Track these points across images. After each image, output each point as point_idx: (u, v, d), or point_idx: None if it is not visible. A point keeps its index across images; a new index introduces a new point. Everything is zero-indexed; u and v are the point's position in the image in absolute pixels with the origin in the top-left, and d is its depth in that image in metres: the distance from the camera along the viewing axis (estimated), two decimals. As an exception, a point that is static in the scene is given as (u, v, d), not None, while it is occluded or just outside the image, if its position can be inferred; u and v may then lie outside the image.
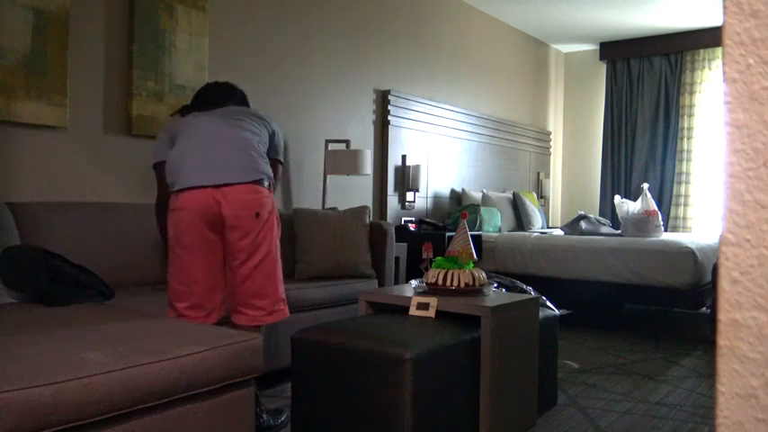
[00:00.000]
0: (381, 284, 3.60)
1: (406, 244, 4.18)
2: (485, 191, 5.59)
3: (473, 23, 5.93)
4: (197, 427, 1.61)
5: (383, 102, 4.87)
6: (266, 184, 2.34)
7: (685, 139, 6.52)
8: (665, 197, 6.60)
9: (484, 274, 2.57)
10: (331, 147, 4.32)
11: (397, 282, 3.90)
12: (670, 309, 4.67)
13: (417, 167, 4.96)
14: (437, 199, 5.35)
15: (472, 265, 2.59)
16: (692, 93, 6.53)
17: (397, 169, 4.96)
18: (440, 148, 5.37)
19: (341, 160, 4.11)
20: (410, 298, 2.46)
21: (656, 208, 4.77)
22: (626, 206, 4.80)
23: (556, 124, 7.45)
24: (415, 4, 5.22)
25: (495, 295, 2.55)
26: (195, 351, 1.60)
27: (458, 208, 5.23)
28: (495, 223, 5.24)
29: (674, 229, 6.48)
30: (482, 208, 5.15)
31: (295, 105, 4.20)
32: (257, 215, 2.25)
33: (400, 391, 1.97)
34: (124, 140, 3.28)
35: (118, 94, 3.25)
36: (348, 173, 4.14)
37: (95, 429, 1.38)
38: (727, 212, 0.48)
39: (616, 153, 6.94)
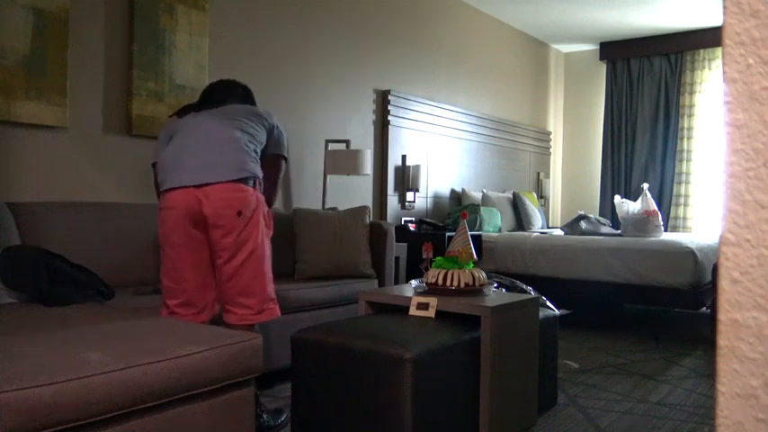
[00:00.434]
0: (381, 284, 3.60)
1: (406, 244, 4.18)
2: (485, 191, 5.59)
3: (473, 23, 5.93)
4: (197, 427, 1.61)
5: (383, 102, 4.87)
6: (251, 182, 2.31)
7: (685, 139, 6.52)
8: (665, 197, 6.60)
9: (484, 274, 2.57)
10: (331, 147, 4.32)
11: (397, 282, 3.90)
12: (670, 309, 4.67)
13: (417, 167, 4.96)
14: (437, 199, 5.35)
15: (472, 265, 2.59)
16: (692, 93, 6.53)
17: (397, 169, 4.96)
18: (440, 148, 5.37)
19: (341, 160, 4.11)
20: (410, 298, 2.46)
21: (656, 208, 4.77)
22: (626, 206, 4.80)
23: (556, 124, 7.45)
24: (415, 4, 5.22)
25: (495, 295, 2.55)
26: (195, 351, 1.60)
27: (458, 208, 5.23)
28: (495, 223, 5.24)
29: (674, 229, 6.48)
30: (482, 208, 5.15)
31: (295, 105, 4.20)
32: (239, 213, 2.24)
33: (400, 391, 1.97)
34: (124, 140, 3.28)
35: (118, 94, 3.25)
36: (348, 173, 4.14)
37: (95, 429, 1.38)
38: (727, 212, 0.48)
39: (616, 153, 6.94)
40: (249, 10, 3.90)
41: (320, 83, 4.39)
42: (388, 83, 4.94)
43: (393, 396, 1.99)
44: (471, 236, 2.90)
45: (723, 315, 0.49)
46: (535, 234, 4.99)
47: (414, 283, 2.72)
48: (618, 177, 6.91)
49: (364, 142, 4.74)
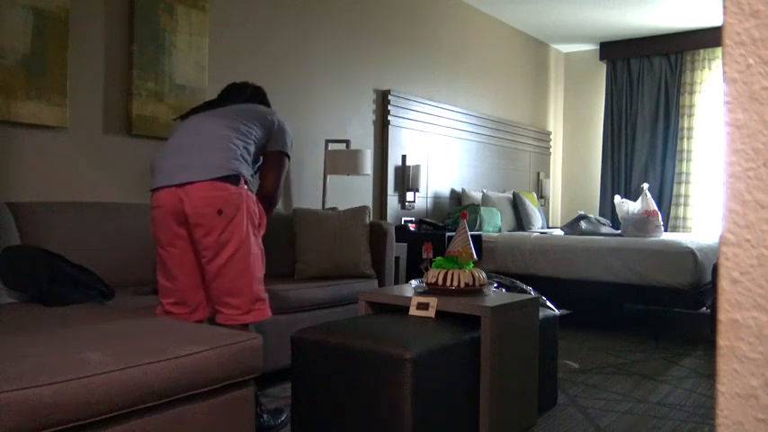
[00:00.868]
0: (381, 284, 3.60)
1: (406, 244, 4.18)
2: (485, 191, 5.59)
3: (473, 23, 5.93)
4: (197, 427, 1.61)
5: (383, 102, 4.87)
6: (236, 181, 2.28)
7: (685, 139, 6.52)
8: (665, 197, 6.60)
9: (484, 274, 2.57)
10: (331, 147, 4.32)
11: (397, 282, 3.90)
12: (670, 309, 4.67)
13: (417, 167, 4.96)
14: (437, 199, 5.35)
15: (472, 265, 2.59)
16: (692, 93, 6.53)
17: (397, 169, 4.96)
18: (440, 148, 5.37)
19: (341, 160, 4.11)
20: (410, 298, 2.46)
21: (656, 208, 4.77)
22: (626, 206, 4.80)
23: (556, 124, 7.45)
24: (415, 4, 5.22)
25: (495, 295, 2.55)
26: (195, 351, 1.60)
27: (458, 208, 5.23)
28: (495, 223, 5.24)
29: (674, 229, 6.48)
30: (482, 208, 5.15)
31: (295, 105, 4.20)
32: (220, 212, 2.22)
33: (400, 391, 1.97)
34: (124, 140, 3.28)
35: (118, 94, 3.25)
36: (348, 173, 4.14)
37: (95, 429, 1.38)
38: (727, 212, 0.48)
39: (616, 153, 6.94)
40: (249, 10, 3.90)
41: (320, 83, 4.39)
42: (388, 83, 4.94)
43: (393, 396, 1.99)
44: (471, 236, 2.90)
45: (723, 315, 0.49)
46: (535, 234, 4.99)
47: (414, 283, 2.72)
48: (618, 177, 6.91)
49: (364, 142, 4.74)
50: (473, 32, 5.94)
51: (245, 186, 2.30)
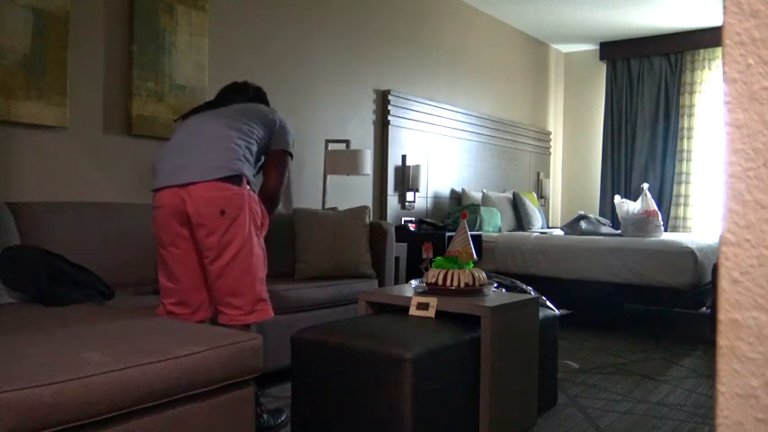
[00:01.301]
0: (381, 284, 3.59)
1: (406, 244, 4.18)
2: (485, 191, 5.59)
3: (473, 23, 5.93)
4: (197, 427, 1.61)
5: (383, 102, 4.87)
6: (238, 181, 2.27)
7: (685, 139, 6.52)
8: (665, 197, 6.60)
9: (484, 274, 2.57)
10: (331, 147, 4.32)
11: (397, 282, 3.90)
12: (670, 309, 4.67)
13: (417, 167, 4.96)
14: (437, 199, 5.35)
15: (472, 265, 2.59)
16: (692, 93, 6.53)
17: (397, 169, 4.96)
18: (440, 148, 5.37)
19: (341, 160, 4.11)
20: (410, 298, 2.46)
21: (656, 208, 4.77)
22: (626, 206, 4.80)
23: (556, 124, 7.45)
24: (415, 4, 5.22)
25: (495, 295, 2.55)
26: (195, 351, 1.60)
27: (458, 208, 5.23)
28: (495, 223, 5.24)
29: (674, 229, 6.48)
30: (482, 208, 5.15)
31: (295, 105, 4.20)
32: (222, 213, 2.22)
33: (400, 391, 1.97)
34: (124, 140, 3.28)
35: (118, 94, 3.25)
36: (348, 173, 4.14)
37: (95, 429, 1.38)
38: (727, 212, 0.48)
39: (616, 153, 6.94)
40: (249, 10, 3.90)
41: (320, 83, 4.39)
42: (388, 83, 4.94)
43: (393, 396, 1.99)
44: (471, 236, 2.90)
45: (723, 315, 0.49)
46: (535, 234, 4.99)
47: (414, 283, 2.72)
48: (618, 177, 6.91)
49: (364, 142, 4.74)
50: (473, 32, 5.94)
51: (248, 186, 2.30)
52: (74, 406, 1.32)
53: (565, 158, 7.55)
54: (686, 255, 4.08)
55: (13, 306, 2.17)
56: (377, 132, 4.87)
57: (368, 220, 3.58)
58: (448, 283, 2.48)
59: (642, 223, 4.65)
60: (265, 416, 2.44)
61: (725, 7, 0.48)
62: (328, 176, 4.26)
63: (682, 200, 6.52)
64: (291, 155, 2.54)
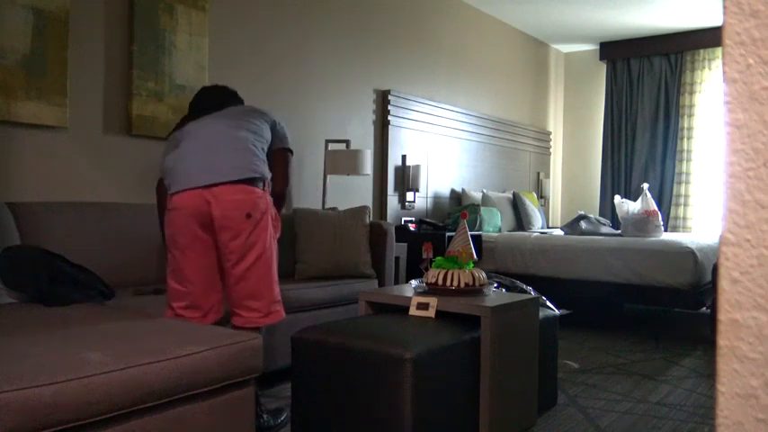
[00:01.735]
0: (381, 284, 3.60)
1: (406, 244, 4.18)
2: (485, 191, 5.59)
3: (473, 23, 5.93)
4: (197, 427, 1.61)
5: (383, 102, 4.87)
6: (260, 184, 2.31)
7: (685, 139, 6.52)
8: (665, 197, 6.60)
9: (484, 274, 2.57)
10: (331, 147, 4.32)
11: (397, 282, 3.90)
12: (670, 309, 4.67)
13: (417, 167, 4.96)
14: (437, 199, 5.35)
15: (472, 265, 2.59)
16: (692, 93, 6.53)
17: (397, 169, 4.96)
18: (440, 148, 5.37)
19: (341, 160, 4.11)
20: (410, 298, 2.46)
21: (656, 208, 4.77)
22: (626, 206, 4.80)
23: (556, 124, 7.45)
24: (414, 4, 5.22)
25: (495, 295, 2.55)
26: (195, 351, 1.60)
27: (458, 208, 5.23)
28: (495, 223, 5.24)
29: (674, 229, 6.48)
30: (482, 208, 5.15)
31: (295, 105, 4.20)
32: (248, 216, 2.23)
33: (400, 391, 1.97)
34: (124, 140, 3.28)
35: (118, 94, 3.25)
36: (348, 173, 4.14)
37: (95, 429, 1.38)
38: (727, 212, 0.48)
39: (616, 153, 6.94)
40: (249, 10, 3.90)
41: (320, 83, 4.39)
42: (388, 83, 4.94)
43: (393, 396, 1.99)
44: (471, 236, 2.90)
45: (723, 315, 0.49)
46: (535, 234, 4.99)
47: (414, 283, 2.72)
48: (618, 177, 6.91)
49: (364, 142, 4.73)
50: (473, 32, 5.94)
51: (268, 189, 2.33)
52: (74, 406, 1.32)
53: (565, 158, 7.55)
54: (686, 255, 4.08)
55: (13, 306, 2.17)
56: (377, 132, 4.87)
57: (368, 220, 3.58)
58: (448, 283, 2.48)
59: (642, 223, 4.65)
60: (265, 416, 2.44)
61: (725, 7, 0.48)
62: (328, 176, 4.26)
63: (682, 200, 6.52)
64: (292, 151, 2.57)
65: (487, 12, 6.08)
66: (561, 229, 5.27)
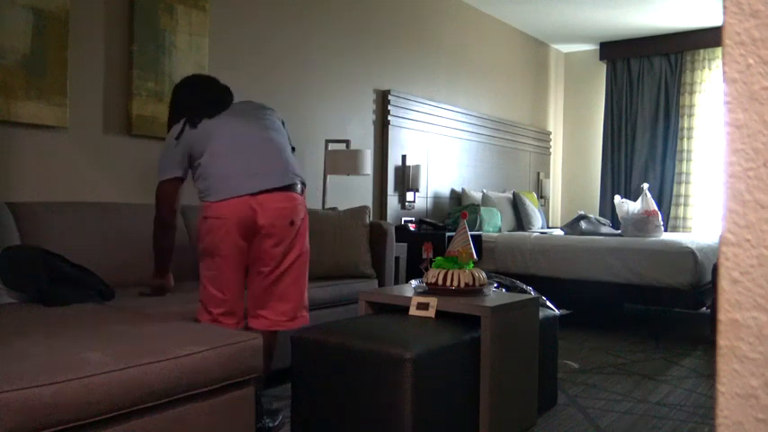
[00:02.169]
0: (381, 284, 3.59)
1: (406, 244, 4.18)
2: (485, 191, 5.59)
3: (473, 23, 5.93)
4: (197, 427, 1.61)
5: (383, 102, 4.87)
6: (299, 188, 2.34)
7: (685, 139, 6.52)
8: (665, 197, 6.60)
9: (484, 274, 2.57)
10: (331, 147, 4.32)
11: (397, 282, 3.90)
12: (670, 309, 4.67)
13: (417, 167, 4.96)
14: (437, 199, 5.35)
15: (472, 265, 2.59)
16: (692, 93, 6.53)
17: (397, 169, 4.96)
18: (440, 148, 5.37)
19: (341, 160, 4.11)
20: (410, 298, 2.46)
21: (656, 208, 4.77)
22: (626, 206, 4.80)
23: (556, 124, 7.45)
24: (415, 4, 5.22)
25: (495, 295, 2.55)
26: (195, 351, 1.60)
27: (458, 208, 5.23)
28: (495, 223, 5.24)
29: (674, 229, 6.48)
30: (482, 208, 5.15)
31: (295, 105, 4.20)
32: (292, 223, 2.26)
33: (400, 391, 1.97)
34: (124, 140, 3.28)
35: (118, 94, 3.25)
36: (348, 173, 4.14)
37: (95, 429, 1.38)
38: (727, 212, 0.48)
39: (616, 153, 6.94)
40: (249, 10, 3.90)
41: (320, 83, 4.39)
42: (388, 83, 4.94)
43: (393, 396, 1.99)
44: (471, 236, 2.90)
45: (723, 315, 0.49)
46: (535, 234, 4.99)
47: (414, 283, 2.72)
48: (618, 177, 6.91)
49: (364, 142, 4.73)
50: (473, 32, 5.94)
51: (305, 192, 2.35)
52: (74, 406, 1.32)
53: (565, 158, 7.55)
54: (686, 255, 4.08)
55: (13, 306, 2.17)
56: (377, 132, 4.87)
57: (368, 220, 3.58)
58: (448, 283, 2.48)
59: (642, 223, 4.65)
60: (266, 417, 2.44)
61: (725, 7, 0.48)
62: (328, 176, 4.26)
63: (682, 200, 6.51)
64: (294, 149, 2.58)
65: (487, 12, 6.08)
66: (561, 229, 5.27)
